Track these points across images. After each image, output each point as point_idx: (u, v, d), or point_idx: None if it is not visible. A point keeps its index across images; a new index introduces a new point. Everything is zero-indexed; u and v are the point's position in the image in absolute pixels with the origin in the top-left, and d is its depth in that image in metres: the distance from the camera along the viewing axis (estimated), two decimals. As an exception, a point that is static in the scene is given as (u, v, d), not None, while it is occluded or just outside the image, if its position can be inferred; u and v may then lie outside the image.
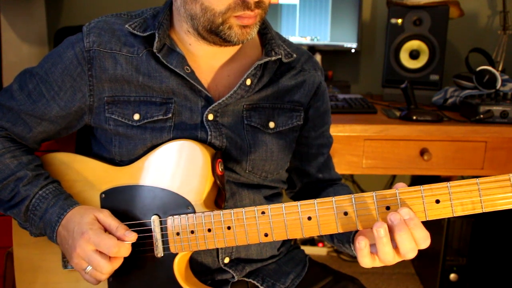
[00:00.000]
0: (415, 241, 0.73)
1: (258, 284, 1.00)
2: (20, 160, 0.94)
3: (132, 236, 0.86)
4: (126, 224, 0.90)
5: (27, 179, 0.92)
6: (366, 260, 0.76)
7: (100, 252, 0.84)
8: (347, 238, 0.90)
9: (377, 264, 0.77)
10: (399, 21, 1.95)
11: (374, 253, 0.76)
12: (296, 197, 1.13)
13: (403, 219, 0.72)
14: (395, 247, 0.74)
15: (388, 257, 0.74)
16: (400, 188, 0.75)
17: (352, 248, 0.89)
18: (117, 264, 0.86)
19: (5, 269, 1.16)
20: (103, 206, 0.93)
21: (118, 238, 0.85)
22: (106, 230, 0.87)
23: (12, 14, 1.78)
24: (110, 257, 0.85)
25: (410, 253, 0.73)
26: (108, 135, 0.96)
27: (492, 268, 2.05)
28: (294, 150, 1.05)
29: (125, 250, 0.85)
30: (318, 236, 0.86)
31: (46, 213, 0.90)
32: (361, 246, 0.75)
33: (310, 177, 1.08)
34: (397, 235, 0.72)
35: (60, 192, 0.93)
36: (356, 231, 0.86)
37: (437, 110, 1.74)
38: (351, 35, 2.06)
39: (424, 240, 0.73)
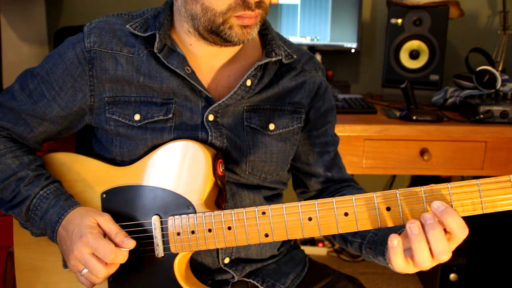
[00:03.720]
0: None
1: (258, 284, 1.00)
2: (22, 160, 0.94)
3: (130, 244, 0.85)
4: (127, 224, 0.91)
5: (28, 179, 0.92)
6: (399, 260, 0.73)
7: (97, 256, 0.84)
8: (380, 252, 0.87)
9: (411, 268, 0.74)
10: (399, 21, 1.95)
11: (408, 257, 0.73)
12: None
13: (436, 215, 0.71)
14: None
15: (423, 258, 0.71)
16: (400, 188, 0.75)
17: (387, 261, 0.84)
18: (113, 269, 0.86)
19: (5, 268, 1.16)
20: (104, 206, 0.94)
21: (116, 244, 0.85)
22: (105, 235, 0.87)
23: (12, 14, 1.78)
24: (106, 263, 0.84)
25: (443, 255, 0.70)
26: (109, 135, 0.96)
27: (492, 268, 2.05)
28: (299, 151, 1.05)
29: (122, 257, 0.85)
30: (340, 247, 0.84)
31: (47, 213, 0.90)
32: (394, 244, 0.72)
33: (320, 177, 1.07)
34: (429, 234, 0.70)
35: (61, 192, 0.93)
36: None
37: (437, 110, 1.74)
38: (351, 35, 2.06)
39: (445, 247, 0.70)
